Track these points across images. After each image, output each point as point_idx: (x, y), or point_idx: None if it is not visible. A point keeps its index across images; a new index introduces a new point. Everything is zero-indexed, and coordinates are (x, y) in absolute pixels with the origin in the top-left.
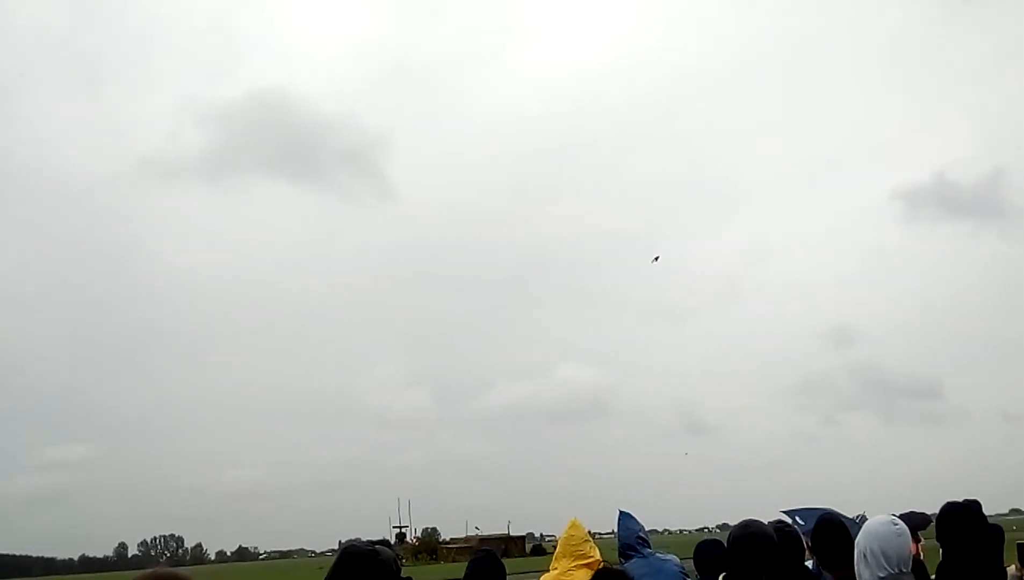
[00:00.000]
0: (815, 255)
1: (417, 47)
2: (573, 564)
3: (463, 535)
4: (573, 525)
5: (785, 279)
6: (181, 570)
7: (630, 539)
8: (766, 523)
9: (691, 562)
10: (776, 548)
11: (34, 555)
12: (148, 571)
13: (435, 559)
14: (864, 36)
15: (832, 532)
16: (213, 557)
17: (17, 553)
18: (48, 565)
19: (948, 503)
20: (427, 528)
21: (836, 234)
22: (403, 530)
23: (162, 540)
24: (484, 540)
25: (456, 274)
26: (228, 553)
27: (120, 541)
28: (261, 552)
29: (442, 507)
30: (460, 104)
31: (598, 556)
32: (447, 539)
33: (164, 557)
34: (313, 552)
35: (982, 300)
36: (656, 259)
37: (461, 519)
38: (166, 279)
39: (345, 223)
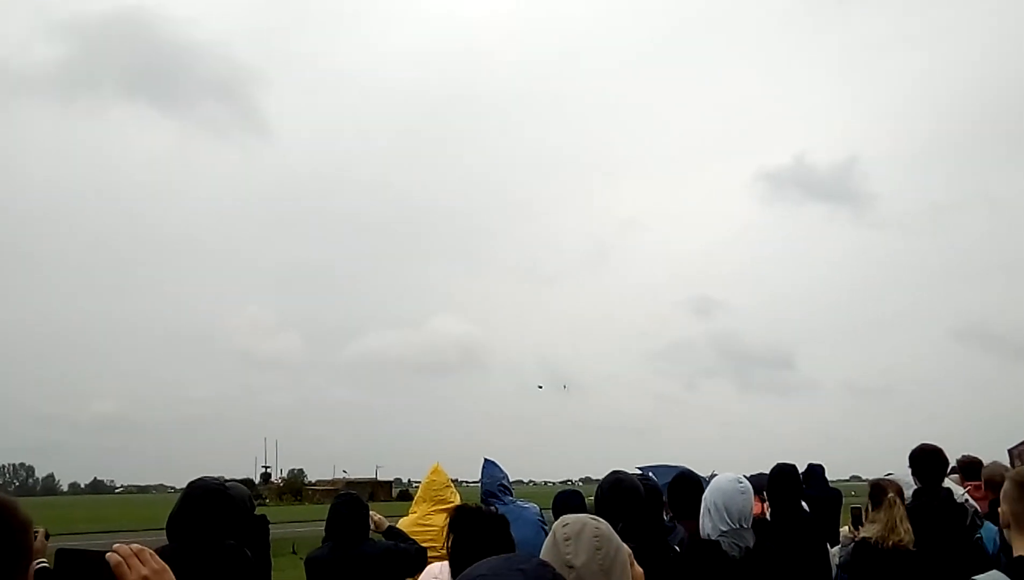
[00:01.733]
0: (683, 229)
1: None
2: (433, 508)
3: (330, 478)
4: (435, 470)
5: (654, 250)
6: (17, 499)
7: (492, 487)
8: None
9: (551, 513)
10: (641, 498)
11: None
12: None
13: (300, 500)
14: (737, 28)
15: (686, 487)
16: (66, 489)
17: None
18: None
19: (777, 464)
20: (293, 469)
21: (704, 210)
22: (268, 470)
23: (11, 468)
24: (351, 484)
25: (333, 217)
26: (82, 485)
27: None
28: (117, 486)
29: (310, 451)
30: (343, 42)
31: (458, 501)
32: (313, 481)
33: (13, 487)
34: (172, 488)
35: (835, 280)
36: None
37: (329, 463)
38: (21, 195)
39: (214, 154)
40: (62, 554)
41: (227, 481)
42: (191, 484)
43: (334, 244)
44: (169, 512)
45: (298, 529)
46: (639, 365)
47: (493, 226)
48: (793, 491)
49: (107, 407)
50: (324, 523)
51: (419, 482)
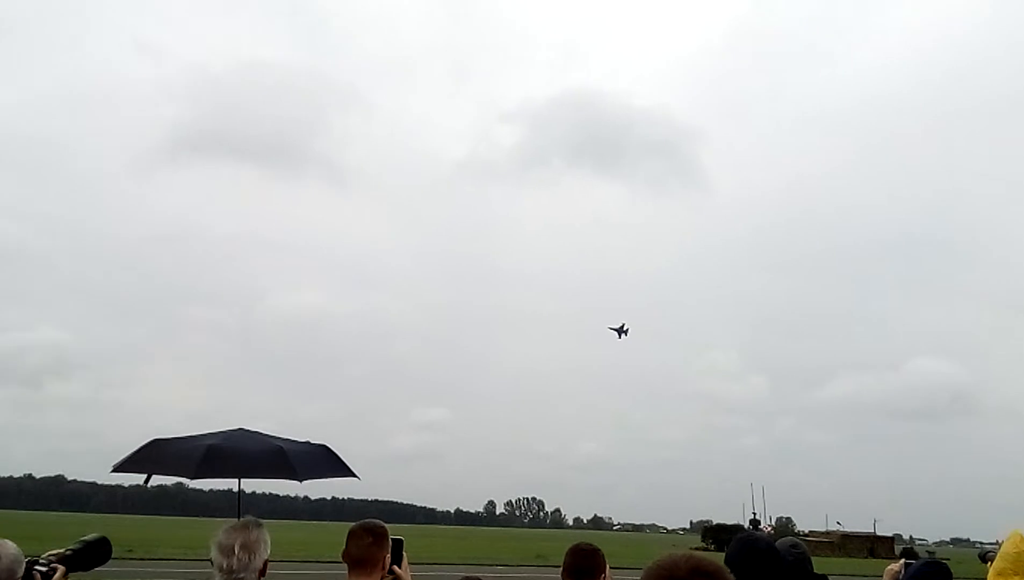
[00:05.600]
0: None
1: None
2: None
3: (823, 528)
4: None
5: None
6: None
7: None
8: None
9: None
10: None
11: (418, 504)
12: None
13: None
14: None
15: None
16: (571, 523)
17: (403, 501)
18: (429, 515)
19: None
20: (781, 517)
21: None
22: (756, 517)
23: (525, 502)
24: (847, 537)
25: (784, 260)
26: (584, 520)
27: (489, 499)
28: (615, 523)
29: (793, 497)
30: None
31: None
32: (805, 531)
33: (527, 518)
34: (664, 528)
35: None
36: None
37: (815, 511)
38: (513, 263)
39: (661, 210)
40: None
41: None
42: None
43: (791, 285)
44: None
45: None
46: None
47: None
48: None
49: (592, 448)
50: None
51: (922, 539)
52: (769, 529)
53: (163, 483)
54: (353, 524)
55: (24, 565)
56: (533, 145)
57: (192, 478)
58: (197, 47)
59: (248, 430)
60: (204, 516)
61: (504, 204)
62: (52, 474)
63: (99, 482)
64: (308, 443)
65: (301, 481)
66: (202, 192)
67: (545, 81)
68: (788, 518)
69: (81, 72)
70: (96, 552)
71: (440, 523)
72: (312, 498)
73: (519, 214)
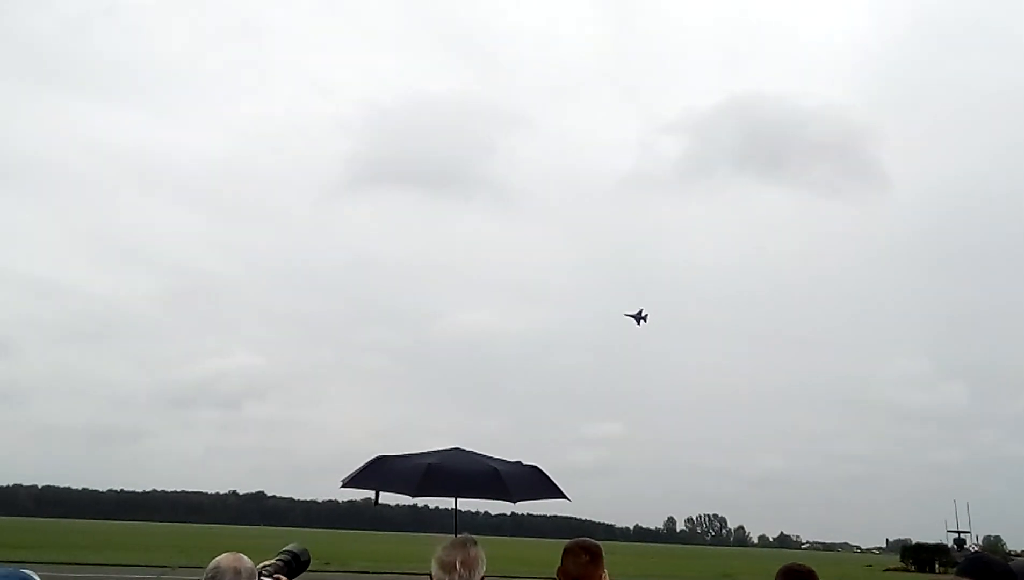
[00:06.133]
0: None
1: None
2: None
3: None
4: None
5: None
6: None
7: None
8: None
9: None
10: None
11: (596, 520)
12: None
13: None
14: None
15: None
16: (755, 540)
17: (581, 517)
18: (607, 531)
19: None
20: (989, 536)
21: None
22: (962, 536)
23: (706, 518)
24: None
25: (976, 253)
26: (770, 538)
27: (669, 515)
28: (803, 541)
29: (1000, 514)
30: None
31: None
32: (1018, 551)
33: (709, 535)
34: (858, 548)
35: None
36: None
37: None
38: (680, 274)
39: (831, 214)
40: None
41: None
42: None
43: (996, 280)
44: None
45: None
46: None
47: None
48: None
49: (773, 462)
50: None
51: None
52: (976, 549)
53: (353, 498)
54: (568, 542)
55: (258, 576)
56: (697, 154)
57: (413, 495)
58: (368, 82)
59: (463, 449)
60: (390, 531)
61: (669, 215)
62: (254, 490)
63: (296, 498)
64: (520, 464)
65: (515, 503)
66: (377, 220)
67: (708, 89)
68: (997, 536)
69: (268, 113)
70: (299, 562)
71: (618, 539)
72: (492, 513)
73: (685, 225)
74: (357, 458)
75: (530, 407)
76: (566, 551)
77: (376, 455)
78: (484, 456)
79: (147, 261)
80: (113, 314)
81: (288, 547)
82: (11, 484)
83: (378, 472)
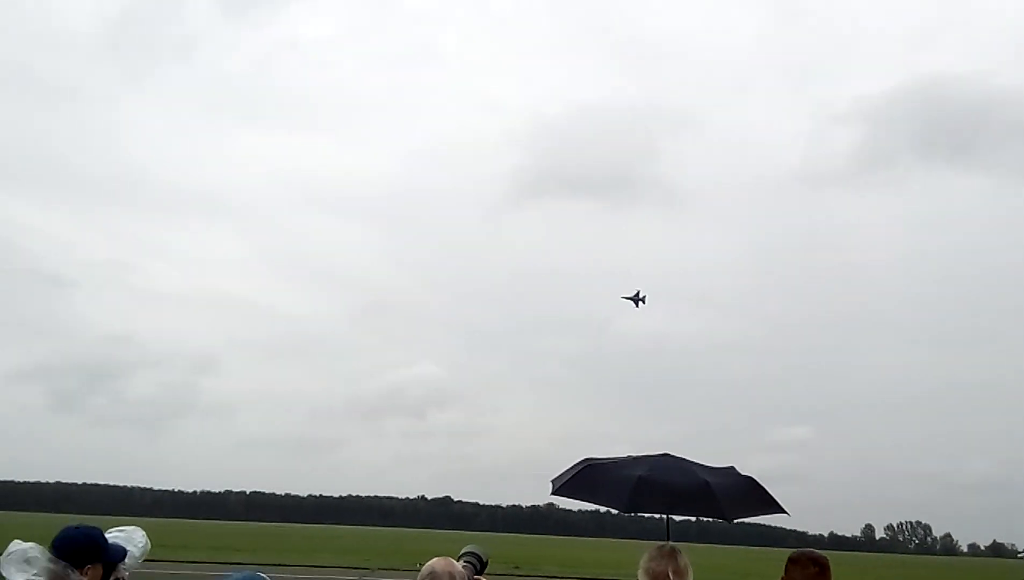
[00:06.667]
0: None
1: None
2: None
3: None
4: None
5: None
6: None
7: None
8: None
9: None
10: None
11: (787, 527)
12: None
13: None
14: None
15: None
16: (965, 549)
17: (771, 524)
18: (800, 538)
19: None
20: None
21: None
22: None
23: (909, 525)
24: None
25: None
26: (982, 547)
27: (867, 522)
28: (1020, 550)
29: None
30: None
31: None
32: None
33: (912, 543)
34: None
35: None
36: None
37: None
38: (861, 269)
39: None
40: None
41: None
42: None
43: None
44: None
45: None
46: None
47: None
48: None
49: (984, 466)
50: None
51: None
52: None
53: (536, 504)
54: (793, 551)
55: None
56: (874, 143)
57: (624, 511)
58: (531, 95)
59: (673, 456)
60: (572, 535)
61: (846, 208)
62: (441, 495)
63: (480, 502)
64: (733, 473)
65: (731, 521)
66: (546, 229)
67: (884, 74)
68: None
69: (441, 132)
70: (481, 563)
71: (813, 547)
72: (677, 518)
73: (864, 218)
74: (538, 465)
75: (708, 411)
76: (792, 561)
77: (584, 459)
78: (695, 464)
79: (334, 280)
80: (307, 332)
81: (468, 548)
82: (223, 490)
83: (588, 479)
